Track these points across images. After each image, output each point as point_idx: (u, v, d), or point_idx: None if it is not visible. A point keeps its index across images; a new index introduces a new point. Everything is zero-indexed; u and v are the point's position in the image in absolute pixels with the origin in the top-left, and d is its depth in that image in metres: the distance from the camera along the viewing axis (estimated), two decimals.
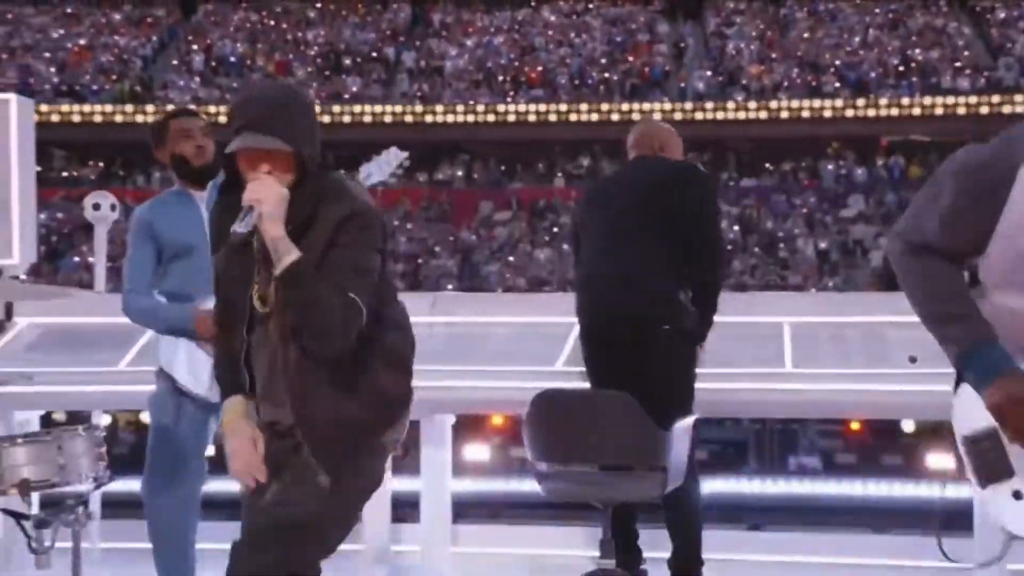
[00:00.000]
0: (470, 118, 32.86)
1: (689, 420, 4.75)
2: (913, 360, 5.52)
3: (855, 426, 19.10)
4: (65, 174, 32.43)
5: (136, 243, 4.71)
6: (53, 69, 34.29)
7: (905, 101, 32.00)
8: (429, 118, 32.97)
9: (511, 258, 30.04)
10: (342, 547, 6.04)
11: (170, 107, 31.98)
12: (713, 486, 11.30)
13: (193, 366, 4.57)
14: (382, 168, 4.95)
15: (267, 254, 3.19)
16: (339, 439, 3.29)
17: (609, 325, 4.99)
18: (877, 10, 35.55)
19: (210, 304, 4.19)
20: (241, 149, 3.18)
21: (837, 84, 32.63)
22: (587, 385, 5.24)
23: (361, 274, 3.21)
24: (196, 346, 4.53)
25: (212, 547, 5.18)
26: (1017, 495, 3.36)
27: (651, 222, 4.96)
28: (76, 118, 32.13)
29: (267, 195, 3.12)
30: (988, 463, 3.44)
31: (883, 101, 32.10)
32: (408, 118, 32.96)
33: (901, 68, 32.92)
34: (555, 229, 30.92)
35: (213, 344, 3.56)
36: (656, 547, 5.23)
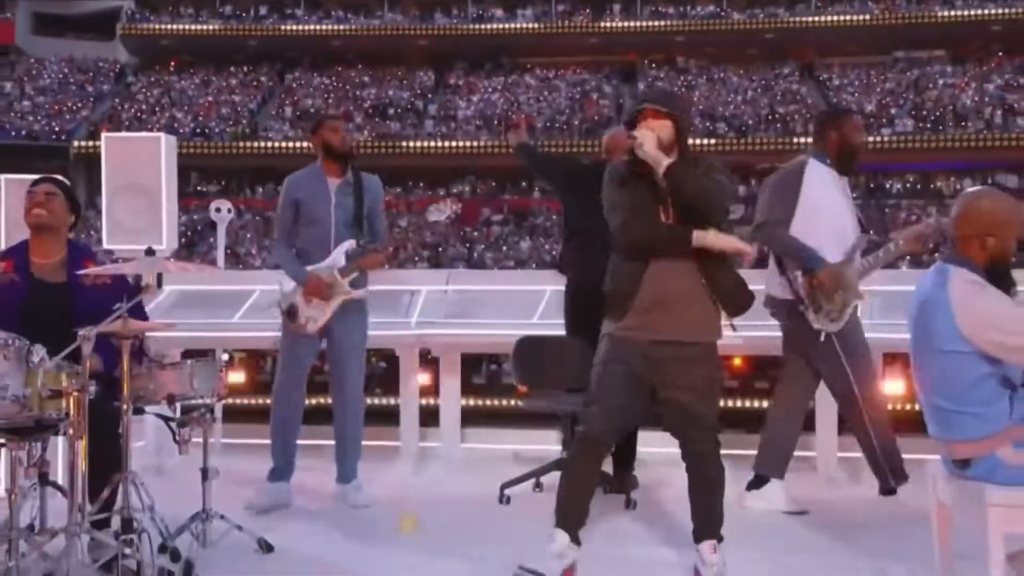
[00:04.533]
0: (475, 150, 32.80)
1: None
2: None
3: (738, 361, 19.27)
4: (198, 189, 32.31)
5: (281, 204, 4.83)
6: (190, 117, 34.10)
7: (771, 139, 32.05)
8: (446, 150, 32.88)
9: (504, 247, 30.02)
10: (384, 442, 6.12)
11: (271, 144, 32.25)
12: None
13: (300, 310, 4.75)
14: (441, 212, 4.88)
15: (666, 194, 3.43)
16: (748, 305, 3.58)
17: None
18: (752, 77, 35.51)
19: (320, 266, 4.67)
20: (647, 109, 3.48)
21: (725, 127, 32.61)
22: (557, 333, 5.25)
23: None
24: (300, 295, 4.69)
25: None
26: None
27: None
28: (205, 151, 31.89)
29: (648, 132, 3.43)
30: None
31: (757, 139, 32.14)
32: (432, 150, 32.88)
33: (769, 118, 32.91)
34: (533, 227, 30.96)
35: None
36: None
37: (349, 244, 4.74)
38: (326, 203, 4.73)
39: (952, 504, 3.24)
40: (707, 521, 3.56)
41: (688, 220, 3.45)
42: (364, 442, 5.02)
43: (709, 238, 3.40)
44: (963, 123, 31.35)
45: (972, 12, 33.96)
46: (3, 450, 3.66)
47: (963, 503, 3.16)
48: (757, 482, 4.73)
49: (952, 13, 34.17)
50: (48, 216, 4.01)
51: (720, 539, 3.56)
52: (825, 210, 4.48)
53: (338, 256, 4.73)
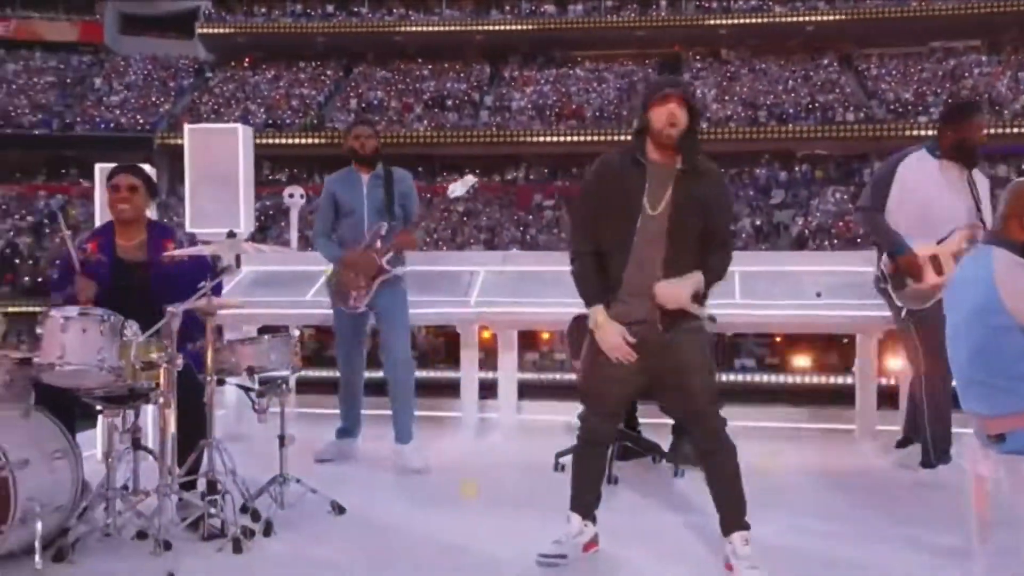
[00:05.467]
0: (527, 139, 32.74)
1: None
2: (819, 295, 5.47)
3: (778, 339, 19.06)
4: (270, 177, 32.65)
5: (321, 200, 5.15)
6: (262, 110, 34.43)
7: (812, 127, 31.57)
8: (501, 139, 32.85)
9: (554, 230, 29.96)
10: (445, 412, 6.14)
11: (337, 134, 32.55)
12: None
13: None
14: (463, 187, 4.97)
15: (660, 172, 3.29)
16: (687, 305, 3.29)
17: None
18: (793, 68, 34.96)
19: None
20: (670, 93, 3.31)
21: (767, 116, 32.16)
22: None
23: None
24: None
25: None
26: None
27: None
28: (276, 141, 32.18)
29: (689, 286, 3.25)
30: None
31: (797, 127, 31.67)
32: (487, 139, 32.87)
33: (809, 106, 32.40)
34: None
35: (582, 264, 3.39)
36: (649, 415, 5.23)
37: (381, 226, 4.96)
38: (359, 194, 5.02)
39: (988, 476, 3.18)
40: (732, 508, 3.35)
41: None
42: (427, 412, 5.08)
43: (598, 329, 3.30)
44: (998, 110, 30.60)
45: (1007, 3, 33.07)
46: (100, 417, 3.76)
47: (999, 475, 3.10)
48: (905, 442, 4.85)
49: (987, 5, 33.31)
50: (131, 210, 4.09)
51: (748, 527, 3.35)
52: (914, 201, 4.52)
53: (372, 236, 4.98)
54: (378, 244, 4.96)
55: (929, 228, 4.49)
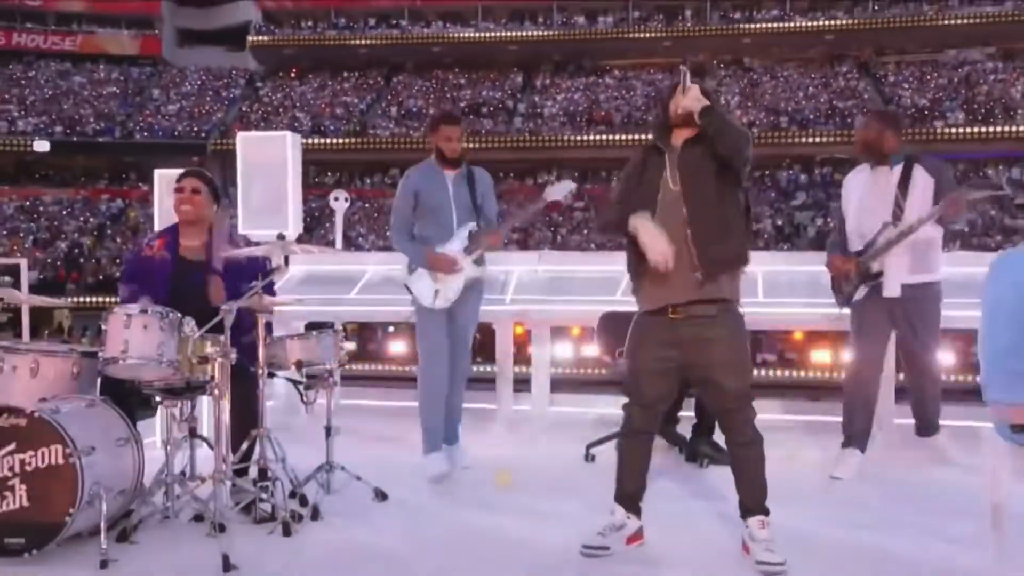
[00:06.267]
0: (559, 144, 32.68)
1: None
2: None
3: (798, 336, 18.88)
4: (316, 180, 32.83)
5: (400, 194, 4.55)
6: (308, 117, 34.63)
7: (831, 132, 31.24)
8: (533, 144, 32.83)
9: (585, 231, 29.89)
10: (481, 405, 6.14)
11: (379, 140, 32.56)
12: None
13: (422, 287, 4.48)
14: (560, 192, 4.59)
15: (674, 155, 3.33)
16: (728, 264, 3.30)
17: None
18: (813, 75, 34.60)
19: (445, 248, 4.47)
20: (676, 82, 3.44)
21: (788, 121, 31.85)
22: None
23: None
24: (428, 273, 4.45)
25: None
26: None
27: None
28: (321, 147, 32.34)
29: (692, 88, 3.35)
30: None
31: (817, 133, 31.35)
32: (521, 145, 32.84)
33: (829, 112, 32.05)
34: None
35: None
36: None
37: (471, 226, 4.52)
38: (444, 193, 4.49)
39: (1006, 468, 3.12)
40: (752, 495, 3.33)
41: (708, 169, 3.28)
42: (464, 405, 5.02)
43: (641, 230, 3.25)
44: (1012, 115, 30.10)
45: (1022, 12, 32.52)
46: (160, 407, 3.80)
47: (1018, 466, 3.05)
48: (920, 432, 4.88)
49: (1002, 13, 32.77)
50: (193, 211, 4.12)
51: (767, 512, 3.33)
52: (848, 209, 4.71)
53: (462, 236, 4.51)
54: (466, 243, 4.50)
55: (860, 234, 4.61)
